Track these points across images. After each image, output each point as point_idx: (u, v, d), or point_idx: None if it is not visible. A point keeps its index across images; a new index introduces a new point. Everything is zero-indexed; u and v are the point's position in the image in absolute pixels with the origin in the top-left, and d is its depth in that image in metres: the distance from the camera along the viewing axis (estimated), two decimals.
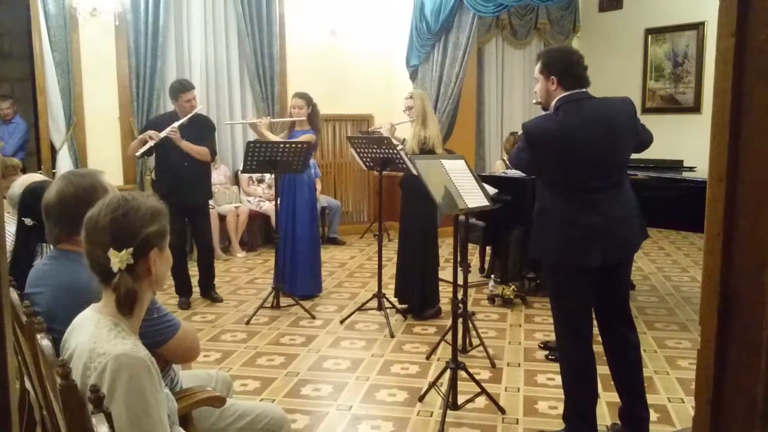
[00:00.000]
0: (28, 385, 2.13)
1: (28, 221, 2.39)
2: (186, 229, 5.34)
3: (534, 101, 3.02)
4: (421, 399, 3.45)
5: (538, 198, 2.89)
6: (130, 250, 1.60)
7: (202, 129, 5.11)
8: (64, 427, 1.44)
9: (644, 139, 2.93)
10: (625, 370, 2.93)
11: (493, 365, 3.91)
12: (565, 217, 2.76)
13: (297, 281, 5.30)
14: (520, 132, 2.95)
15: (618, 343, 2.93)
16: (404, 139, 4.77)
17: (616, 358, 2.95)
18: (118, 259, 1.58)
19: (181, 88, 5.05)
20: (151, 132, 4.89)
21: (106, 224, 1.61)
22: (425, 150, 4.55)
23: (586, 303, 2.83)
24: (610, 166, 2.75)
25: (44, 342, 1.63)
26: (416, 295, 4.81)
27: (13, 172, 4.07)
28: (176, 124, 4.90)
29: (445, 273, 5.45)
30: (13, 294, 1.98)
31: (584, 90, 2.79)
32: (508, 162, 4.23)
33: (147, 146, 4.86)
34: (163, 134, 4.84)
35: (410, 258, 4.79)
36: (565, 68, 2.77)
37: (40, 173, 5.49)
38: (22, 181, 3.14)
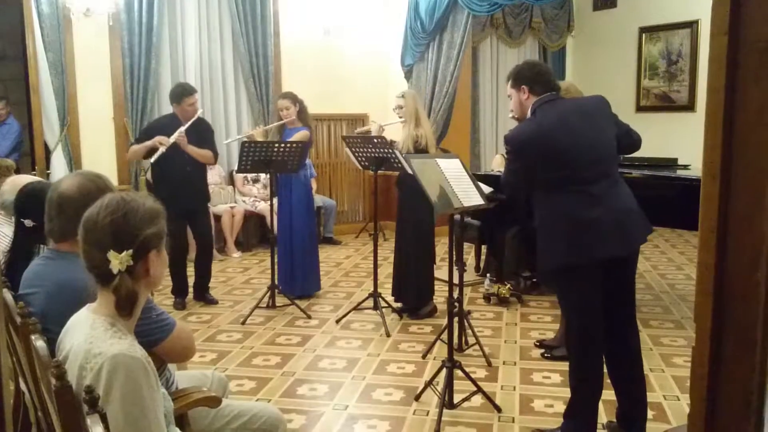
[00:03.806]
0: (23, 386, 2.12)
1: (28, 222, 2.37)
2: (186, 229, 5.31)
3: (510, 116, 3.09)
4: (417, 398, 3.46)
5: (537, 210, 2.87)
6: (130, 251, 1.59)
7: (203, 133, 5.08)
8: (60, 428, 1.44)
9: (634, 141, 2.99)
10: (625, 375, 2.93)
11: (489, 364, 3.92)
12: (570, 215, 2.74)
13: (295, 281, 5.30)
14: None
15: (620, 348, 2.91)
16: (392, 141, 4.75)
17: (617, 362, 2.94)
18: (118, 261, 1.58)
19: (185, 92, 5.01)
20: (160, 138, 4.82)
21: (106, 225, 1.60)
22: (419, 148, 4.56)
23: (599, 304, 2.80)
24: (598, 153, 2.77)
25: (39, 343, 1.63)
26: (411, 293, 4.82)
27: (6, 173, 4.06)
28: (182, 129, 4.87)
29: (441, 272, 5.45)
30: (8, 295, 1.97)
31: (555, 92, 2.88)
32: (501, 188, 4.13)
33: (159, 153, 4.78)
34: (172, 140, 4.80)
35: (406, 256, 4.79)
36: (534, 75, 2.89)
37: (34, 174, 5.47)
38: (11, 185, 3.12)
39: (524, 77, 2.89)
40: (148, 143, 4.89)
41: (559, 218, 2.79)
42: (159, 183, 5.14)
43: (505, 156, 3.40)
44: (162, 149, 4.79)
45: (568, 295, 2.89)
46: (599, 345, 2.84)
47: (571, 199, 2.75)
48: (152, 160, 4.84)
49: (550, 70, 3.01)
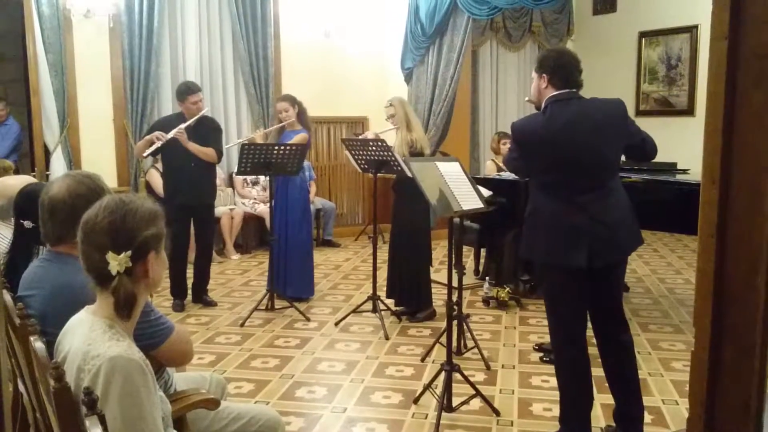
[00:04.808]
0: (21, 387, 2.12)
1: (27, 224, 2.36)
2: (188, 231, 5.29)
3: (526, 98, 3.07)
4: (415, 401, 3.45)
5: (530, 199, 2.92)
6: (129, 253, 1.59)
7: (208, 131, 5.10)
8: (58, 429, 1.44)
9: (647, 153, 2.90)
10: (619, 372, 2.94)
11: (488, 367, 3.91)
12: (553, 217, 2.78)
13: (286, 283, 5.28)
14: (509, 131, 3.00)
15: (611, 345, 2.94)
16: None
17: (610, 360, 2.96)
18: (116, 262, 1.58)
19: (188, 90, 5.04)
20: (157, 133, 4.87)
21: (105, 227, 1.60)
22: (414, 152, 4.58)
23: (577, 304, 2.83)
24: (596, 166, 2.76)
25: (38, 344, 1.63)
26: (407, 295, 4.81)
27: (5, 174, 4.06)
28: (183, 125, 4.90)
29: (440, 275, 5.45)
30: (7, 296, 1.97)
31: (573, 90, 2.82)
32: (502, 164, 4.27)
33: (153, 147, 4.85)
34: (169, 135, 4.83)
35: (400, 260, 4.77)
36: (557, 67, 2.82)
37: (33, 175, 5.46)
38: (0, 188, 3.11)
39: (547, 66, 2.83)
40: (148, 137, 4.97)
41: (543, 218, 2.83)
42: (165, 177, 5.25)
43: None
44: (157, 143, 4.84)
45: (550, 293, 2.92)
46: (579, 344, 2.85)
47: (559, 203, 2.77)
48: (145, 153, 4.92)
49: (575, 63, 2.86)
